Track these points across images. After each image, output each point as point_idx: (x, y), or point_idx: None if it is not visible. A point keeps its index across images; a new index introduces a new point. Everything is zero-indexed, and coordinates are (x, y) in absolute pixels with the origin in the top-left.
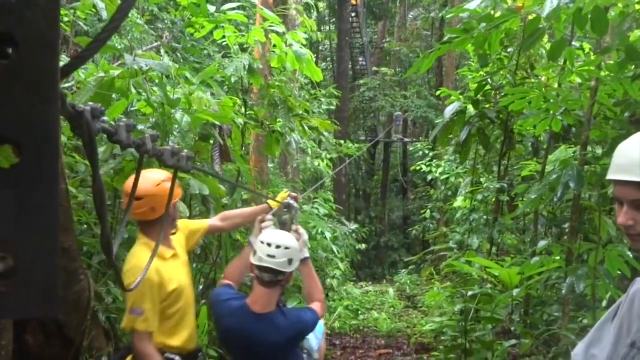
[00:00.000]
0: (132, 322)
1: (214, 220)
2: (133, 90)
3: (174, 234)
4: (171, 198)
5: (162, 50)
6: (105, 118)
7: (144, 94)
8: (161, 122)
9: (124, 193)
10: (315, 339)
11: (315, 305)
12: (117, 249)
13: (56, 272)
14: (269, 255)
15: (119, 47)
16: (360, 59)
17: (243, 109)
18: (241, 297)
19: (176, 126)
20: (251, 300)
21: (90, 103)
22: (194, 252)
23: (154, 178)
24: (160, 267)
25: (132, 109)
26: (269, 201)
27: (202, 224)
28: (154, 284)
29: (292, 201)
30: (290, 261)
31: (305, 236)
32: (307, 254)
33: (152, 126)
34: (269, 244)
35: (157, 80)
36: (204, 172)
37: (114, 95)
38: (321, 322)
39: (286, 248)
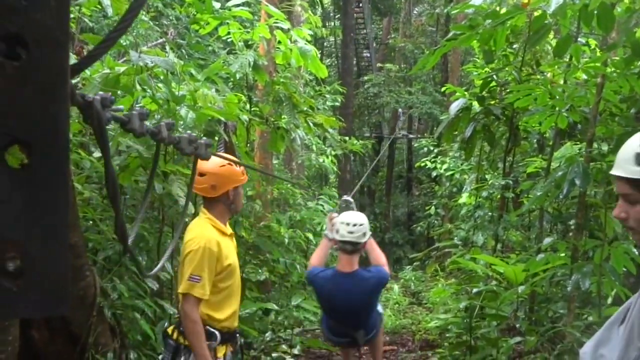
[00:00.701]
0: (190, 288)
1: None
2: (138, 87)
3: (230, 218)
4: (194, 179)
5: (167, 47)
6: (120, 107)
7: (149, 90)
8: (166, 119)
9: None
10: (380, 304)
11: (384, 266)
12: (134, 235)
13: (66, 271)
14: (349, 232)
15: (124, 43)
16: (365, 53)
17: (248, 106)
18: (329, 269)
19: (181, 123)
20: (340, 266)
21: (100, 92)
22: None
23: (218, 160)
24: (220, 241)
25: (137, 105)
26: None
27: None
28: (214, 255)
29: (348, 197)
30: (364, 234)
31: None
32: (369, 231)
33: (157, 123)
34: (347, 224)
35: (162, 77)
36: (225, 158)
37: (119, 92)
38: None
39: (360, 225)
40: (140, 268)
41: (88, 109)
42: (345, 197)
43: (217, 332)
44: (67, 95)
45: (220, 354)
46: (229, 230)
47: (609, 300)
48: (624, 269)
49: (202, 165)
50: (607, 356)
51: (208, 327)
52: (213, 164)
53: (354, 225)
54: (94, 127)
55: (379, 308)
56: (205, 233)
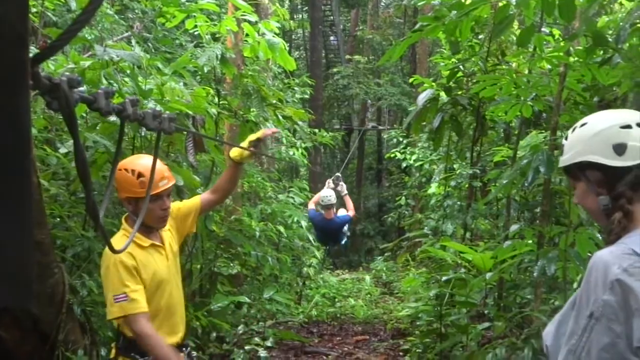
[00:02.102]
0: (121, 309)
1: (207, 194)
2: (104, 82)
3: (154, 229)
4: (157, 156)
5: (133, 41)
6: (82, 88)
7: (115, 85)
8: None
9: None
10: (347, 229)
11: (351, 212)
12: (103, 213)
13: (30, 264)
14: (327, 199)
15: (90, 37)
16: (333, 40)
17: (216, 99)
18: (321, 214)
19: None
20: (325, 215)
21: (67, 73)
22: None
23: (124, 162)
24: (134, 252)
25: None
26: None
27: (194, 201)
28: (129, 266)
29: (339, 173)
30: (334, 198)
31: (345, 186)
32: (346, 192)
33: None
34: (325, 196)
35: (128, 71)
36: (188, 131)
37: (84, 87)
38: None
39: (330, 196)
40: (110, 245)
41: (55, 91)
42: (337, 174)
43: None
44: (28, 88)
45: None
46: (148, 241)
47: (575, 285)
48: (589, 254)
49: None
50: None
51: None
52: (119, 165)
53: (328, 196)
54: (62, 110)
55: (346, 230)
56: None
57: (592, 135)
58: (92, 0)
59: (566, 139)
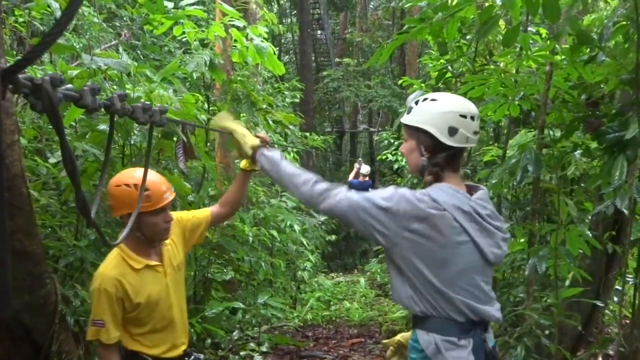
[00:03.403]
0: (96, 334)
1: (216, 208)
2: None
3: (155, 243)
4: (150, 150)
5: (120, 49)
6: (70, 86)
7: (103, 93)
8: (122, 121)
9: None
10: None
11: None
12: (95, 210)
13: (5, 272)
14: (365, 171)
15: (77, 46)
16: (320, 36)
17: (206, 105)
18: (358, 180)
19: (137, 125)
20: (360, 179)
21: (50, 72)
22: None
23: (120, 178)
24: (124, 278)
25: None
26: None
27: (204, 212)
28: (112, 295)
29: (360, 159)
30: (367, 171)
31: (366, 166)
32: (368, 168)
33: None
34: (364, 170)
35: (116, 79)
36: (181, 122)
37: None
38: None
39: (365, 169)
40: (105, 239)
41: (38, 91)
42: (359, 159)
43: (149, 359)
44: None
45: None
46: (142, 262)
47: (567, 282)
48: (580, 251)
49: None
50: None
51: (140, 354)
52: (113, 180)
53: (365, 169)
54: (46, 109)
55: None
56: (104, 270)
57: (437, 113)
58: (63, 13)
59: (416, 103)
